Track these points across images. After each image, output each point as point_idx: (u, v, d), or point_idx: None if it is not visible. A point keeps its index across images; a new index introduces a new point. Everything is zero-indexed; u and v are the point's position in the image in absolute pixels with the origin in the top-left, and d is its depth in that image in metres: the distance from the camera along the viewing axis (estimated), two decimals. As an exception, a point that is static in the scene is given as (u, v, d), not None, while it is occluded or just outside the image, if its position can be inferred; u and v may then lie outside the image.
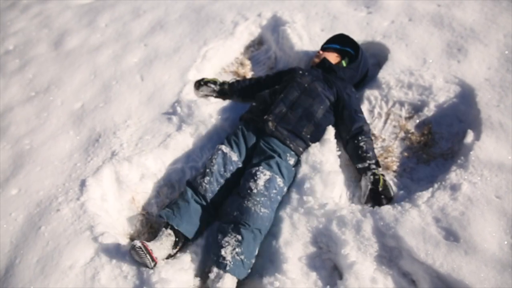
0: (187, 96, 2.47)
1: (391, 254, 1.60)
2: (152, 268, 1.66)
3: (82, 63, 3.08)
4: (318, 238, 1.71)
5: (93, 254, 1.75)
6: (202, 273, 1.78)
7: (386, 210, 1.69)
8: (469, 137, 1.87)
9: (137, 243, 1.63)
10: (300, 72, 2.23)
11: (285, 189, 1.88)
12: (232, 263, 1.61)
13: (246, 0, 3.23)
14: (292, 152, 1.96)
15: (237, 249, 1.63)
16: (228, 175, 1.94)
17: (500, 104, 1.95)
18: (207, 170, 1.91)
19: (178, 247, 1.81)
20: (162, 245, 1.73)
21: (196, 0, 3.45)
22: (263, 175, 1.81)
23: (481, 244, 1.49)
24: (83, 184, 2.05)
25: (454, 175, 1.74)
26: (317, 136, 2.06)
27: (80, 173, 2.13)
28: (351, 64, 2.30)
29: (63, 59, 3.20)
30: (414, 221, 1.62)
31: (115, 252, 1.74)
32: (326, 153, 1.98)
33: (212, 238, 1.88)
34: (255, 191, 1.76)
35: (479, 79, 2.11)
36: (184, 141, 2.23)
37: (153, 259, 1.64)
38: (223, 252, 1.64)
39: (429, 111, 2.11)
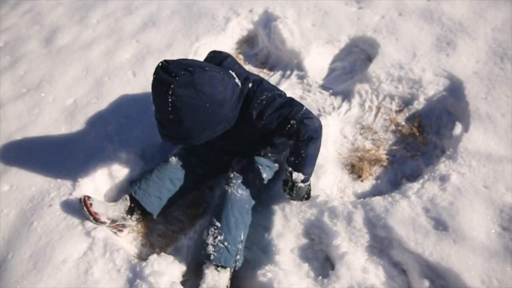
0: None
1: (382, 244, 1.63)
2: (95, 223, 1.80)
3: (74, 59, 3.06)
4: (310, 230, 1.73)
5: (86, 248, 1.75)
6: (195, 266, 1.79)
7: (377, 201, 1.71)
8: (458, 129, 1.89)
9: (82, 196, 1.78)
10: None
11: (264, 175, 1.86)
12: (215, 251, 1.60)
13: (238, -4, 3.23)
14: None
15: (218, 237, 1.62)
16: (205, 155, 1.95)
17: (488, 97, 1.98)
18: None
19: (135, 215, 1.87)
20: (115, 206, 1.84)
21: (188, -4, 3.44)
22: (240, 162, 1.83)
23: (469, 233, 1.52)
24: (75, 179, 2.04)
25: (443, 166, 1.77)
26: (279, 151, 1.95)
27: (73, 168, 2.12)
28: None
29: (55, 56, 3.18)
30: (404, 211, 1.64)
31: (108, 246, 1.74)
32: (318, 147, 2.00)
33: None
34: (231, 175, 1.77)
35: (467, 72, 2.13)
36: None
37: (90, 213, 1.76)
38: (205, 244, 1.64)
39: (419, 104, 2.14)
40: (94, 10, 3.67)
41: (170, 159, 1.92)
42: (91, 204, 1.77)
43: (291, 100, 1.70)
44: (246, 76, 1.74)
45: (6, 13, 4.17)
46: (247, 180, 1.77)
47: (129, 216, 1.86)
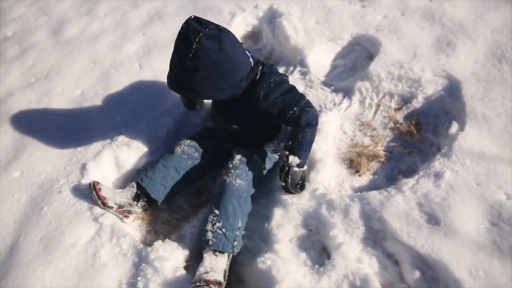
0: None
1: (376, 236, 1.69)
2: (102, 208, 1.89)
3: (82, 51, 3.13)
4: (308, 221, 1.81)
5: (94, 233, 1.83)
6: (198, 253, 1.87)
7: (373, 195, 1.78)
8: (454, 128, 1.95)
9: (91, 181, 1.88)
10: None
11: (264, 165, 1.94)
12: (214, 237, 1.67)
13: (243, -8, 3.28)
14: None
15: (217, 224, 1.69)
16: (208, 145, 2.04)
17: (484, 97, 2.04)
18: (190, 134, 2.07)
19: (141, 202, 1.96)
20: (122, 192, 1.93)
21: (194, -10, 3.49)
22: (240, 153, 1.89)
23: (460, 227, 1.58)
24: (83, 167, 2.12)
25: (438, 164, 1.83)
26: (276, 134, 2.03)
27: (81, 157, 2.20)
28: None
29: (63, 47, 3.24)
30: (399, 205, 1.71)
31: (115, 231, 1.82)
32: (319, 141, 2.07)
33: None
34: (230, 165, 1.83)
35: (465, 73, 2.19)
36: (179, 127, 2.31)
37: (99, 197, 1.84)
38: (205, 230, 1.71)
39: (417, 102, 2.20)
40: (101, 3, 3.72)
41: (175, 149, 1.99)
42: (100, 189, 1.86)
43: (295, 88, 1.86)
44: (258, 60, 1.89)
45: (14, 3, 4.22)
46: (246, 170, 1.83)
47: (135, 203, 1.94)
